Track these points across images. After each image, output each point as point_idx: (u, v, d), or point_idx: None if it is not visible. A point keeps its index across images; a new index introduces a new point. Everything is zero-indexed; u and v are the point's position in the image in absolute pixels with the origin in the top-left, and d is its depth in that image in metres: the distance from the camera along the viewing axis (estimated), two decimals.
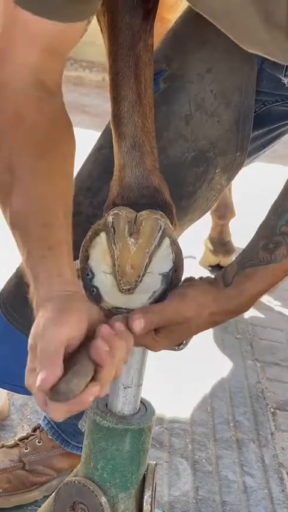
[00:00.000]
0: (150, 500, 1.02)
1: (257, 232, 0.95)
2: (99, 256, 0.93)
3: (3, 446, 1.54)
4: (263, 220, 0.96)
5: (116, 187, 0.97)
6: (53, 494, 1.04)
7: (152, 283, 0.93)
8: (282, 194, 0.95)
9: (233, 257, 2.74)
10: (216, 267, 2.74)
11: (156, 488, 1.04)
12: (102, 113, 4.40)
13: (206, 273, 2.60)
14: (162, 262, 0.93)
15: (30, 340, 0.80)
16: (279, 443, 1.84)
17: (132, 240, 0.92)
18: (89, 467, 1.00)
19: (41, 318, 0.80)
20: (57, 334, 0.78)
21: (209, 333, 2.25)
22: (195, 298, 0.92)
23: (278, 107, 1.16)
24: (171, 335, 0.93)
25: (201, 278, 0.97)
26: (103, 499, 0.98)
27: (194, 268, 2.65)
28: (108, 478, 0.99)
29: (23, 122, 0.89)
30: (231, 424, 1.88)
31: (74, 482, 1.00)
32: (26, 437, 1.54)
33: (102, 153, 1.14)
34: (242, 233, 2.82)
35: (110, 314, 0.93)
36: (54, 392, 0.77)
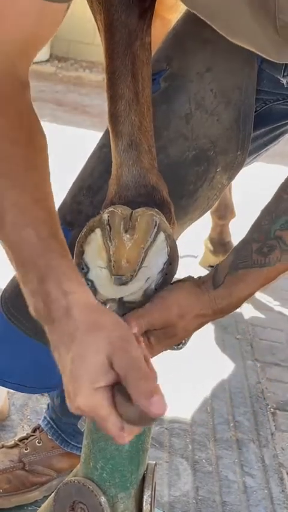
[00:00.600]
0: (149, 500, 1.02)
1: (248, 234, 0.96)
2: (94, 252, 0.94)
3: (3, 446, 1.54)
4: (254, 222, 0.97)
5: (113, 186, 0.97)
6: (53, 494, 1.04)
7: (147, 274, 0.94)
8: (275, 198, 0.95)
9: None
10: None
11: (156, 488, 1.04)
12: (102, 113, 4.39)
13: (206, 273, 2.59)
14: (157, 256, 0.94)
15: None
16: (279, 443, 1.84)
17: (128, 236, 0.93)
18: (88, 467, 1.00)
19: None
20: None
21: (209, 333, 2.25)
22: (177, 302, 0.93)
23: (279, 106, 1.16)
24: (161, 340, 0.94)
25: (189, 277, 0.97)
26: (103, 499, 0.98)
27: (194, 268, 2.65)
28: (108, 478, 0.99)
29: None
30: (232, 424, 1.87)
31: (74, 482, 1.00)
32: (26, 438, 1.54)
33: (103, 152, 1.14)
34: (242, 233, 2.83)
35: (103, 305, 0.94)
36: (128, 418, 0.73)
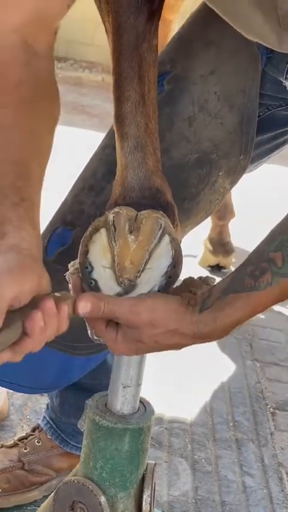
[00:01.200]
0: (149, 499, 1.02)
1: (248, 257, 0.91)
2: (98, 252, 0.94)
3: (2, 446, 1.54)
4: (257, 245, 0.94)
5: (118, 187, 0.97)
6: (52, 493, 1.04)
7: (151, 278, 0.93)
8: (279, 223, 0.92)
9: (232, 258, 2.75)
10: (215, 267, 2.74)
11: (155, 488, 1.04)
12: (102, 113, 4.40)
13: (206, 273, 2.60)
14: (161, 259, 0.94)
15: None
16: (278, 443, 1.84)
17: (133, 237, 0.92)
18: (88, 467, 1.00)
19: None
20: (5, 290, 0.80)
21: None
22: (152, 311, 0.89)
23: (282, 112, 1.16)
24: (126, 339, 0.91)
25: (200, 278, 0.96)
26: (102, 499, 0.98)
27: (194, 268, 2.65)
28: (108, 478, 0.99)
29: (6, 80, 0.92)
30: (231, 424, 1.88)
31: (73, 481, 1.00)
32: (25, 437, 1.55)
33: (106, 153, 1.14)
34: (241, 234, 2.83)
35: None
36: None
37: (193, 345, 0.91)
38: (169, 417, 1.85)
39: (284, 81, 1.11)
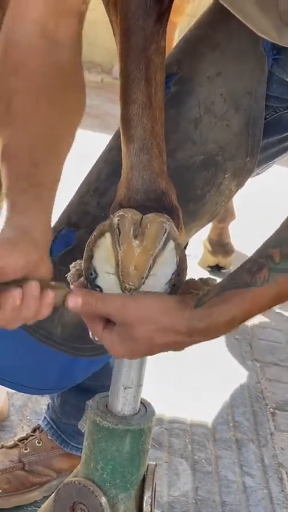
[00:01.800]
0: (150, 500, 1.02)
1: (249, 257, 0.90)
2: (103, 257, 0.93)
3: (2, 447, 1.54)
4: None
5: (123, 189, 0.97)
6: (53, 494, 1.04)
7: (155, 285, 0.93)
8: (282, 223, 0.91)
9: (232, 258, 2.75)
10: (215, 268, 2.74)
11: (156, 489, 1.04)
12: (101, 114, 4.39)
13: (205, 274, 2.60)
14: (166, 265, 0.93)
15: None
16: (278, 443, 1.84)
17: (137, 242, 0.91)
18: (89, 468, 1.00)
19: None
20: None
21: None
22: (142, 305, 0.89)
23: None
24: (122, 340, 0.90)
25: (201, 279, 0.96)
26: (103, 500, 0.98)
27: (193, 269, 2.65)
28: (108, 479, 0.99)
29: (25, 67, 0.96)
30: (231, 425, 1.88)
31: (74, 482, 1.00)
32: (26, 438, 1.55)
33: (111, 155, 1.14)
34: (242, 236, 2.83)
35: None
36: None
37: (191, 345, 0.90)
38: (169, 417, 1.85)
39: None
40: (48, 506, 1.06)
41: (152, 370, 1.08)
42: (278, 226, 0.89)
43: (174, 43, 1.26)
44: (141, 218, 0.92)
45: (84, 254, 0.93)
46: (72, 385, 1.28)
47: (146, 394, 1.04)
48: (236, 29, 1.07)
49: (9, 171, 0.91)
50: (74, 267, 0.96)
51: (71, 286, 0.95)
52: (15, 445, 1.54)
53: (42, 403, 1.79)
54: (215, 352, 2.20)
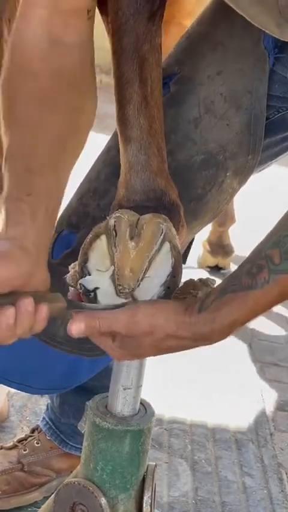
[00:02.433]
0: (150, 501, 1.02)
1: (246, 258, 0.89)
2: (98, 259, 0.92)
3: (1, 448, 1.54)
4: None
5: (122, 189, 0.96)
6: (53, 495, 1.04)
7: (150, 287, 0.92)
8: (277, 222, 0.91)
9: (231, 259, 2.75)
10: (214, 268, 2.74)
11: (155, 489, 1.04)
12: (101, 114, 4.38)
13: (205, 274, 2.60)
14: (161, 267, 0.92)
15: None
16: (278, 443, 1.84)
17: (133, 243, 0.91)
18: (88, 469, 1.00)
19: None
20: None
21: None
22: (148, 317, 0.87)
23: None
24: (124, 348, 0.90)
25: (200, 280, 0.95)
26: (103, 500, 0.98)
27: (193, 269, 2.65)
28: (108, 479, 0.99)
29: (30, 69, 0.94)
30: (231, 425, 1.88)
31: (74, 483, 1.00)
32: (25, 439, 1.54)
33: (110, 155, 1.13)
34: (241, 238, 2.83)
35: None
36: None
37: (194, 348, 0.90)
38: (169, 418, 1.85)
39: None
40: (48, 507, 1.06)
41: (151, 370, 1.08)
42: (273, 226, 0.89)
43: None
44: (138, 219, 0.91)
45: (79, 257, 0.93)
46: (77, 384, 1.28)
47: (145, 394, 1.04)
48: (238, 26, 1.07)
49: (8, 177, 0.90)
50: (73, 268, 0.95)
51: (71, 289, 0.95)
52: (14, 446, 1.54)
53: (41, 403, 1.79)
54: (214, 352, 2.20)
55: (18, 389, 1.28)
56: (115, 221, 0.91)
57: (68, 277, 0.95)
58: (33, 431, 1.56)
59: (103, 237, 0.92)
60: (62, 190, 0.93)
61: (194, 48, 1.11)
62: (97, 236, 0.92)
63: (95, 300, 0.93)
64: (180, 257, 0.93)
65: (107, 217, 0.92)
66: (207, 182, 1.10)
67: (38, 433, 1.54)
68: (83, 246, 0.92)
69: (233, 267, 2.67)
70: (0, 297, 0.80)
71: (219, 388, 2.03)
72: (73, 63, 0.96)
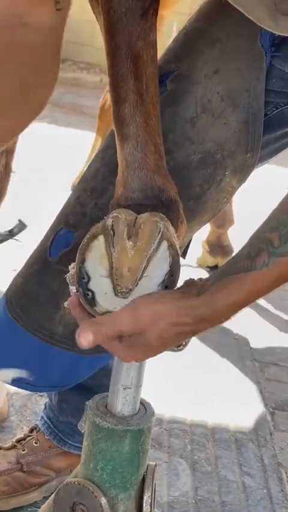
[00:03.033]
0: (149, 501, 1.02)
1: (246, 242, 0.91)
2: (96, 260, 0.92)
3: (0, 448, 1.54)
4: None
5: (120, 187, 0.96)
6: (53, 495, 1.04)
7: (148, 286, 0.92)
8: (276, 206, 0.92)
9: None
10: (214, 268, 2.74)
11: (155, 489, 1.04)
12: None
13: (205, 274, 2.60)
14: (159, 266, 0.92)
15: None
16: (278, 443, 1.84)
17: (131, 243, 0.91)
18: (88, 468, 1.00)
19: None
20: None
21: (208, 333, 2.25)
22: (149, 308, 0.88)
23: None
24: (132, 347, 0.90)
25: (200, 279, 0.95)
26: (103, 500, 0.98)
27: (192, 269, 2.65)
28: (108, 479, 0.99)
29: None
30: (230, 425, 1.88)
31: (74, 483, 1.00)
32: (23, 439, 1.54)
33: (107, 154, 1.13)
34: (240, 238, 2.83)
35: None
36: None
37: (199, 332, 0.90)
38: (169, 418, 1.85)
39: None
40: (48, 507, 1.06)
41: (151, 370, 1.08)
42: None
43: (162, 36, 1.24)
44: (136, 218, 0.91)
45: (77, 258, 0.93)
46: (78, 381, 1.28)
47: (145, 394, 1.04)
48: (235, 24, 1.06)
49: None
50: (73, 268, 0.95)
51: (70, 287, 0.95)
52: (12, 447, 1.54)
53: (41, 403, 1.78)
54: (214, 352, 2.20)
55: (17, 387, 1.28)
56: (113, 221, 0.91)
57: (68, 276, 0.95)
58: (31, 431, 1.56)
59: (101, 237, 0.92)
60: None
61: (192, 45, 1.11)
62: (95, 236, 0.92)
63: (93, 300, 0.93)
64: (178, 256, 0.93)
65: (105, 217, 0.92)
66: (206, 181, 1.10)
67: (37, 432, 1.54)
68: (80, 246, 0.92)
69: None
70: None
71: (219, 388, 2.03)
72: (32, 43, 0.98)
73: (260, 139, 1.10)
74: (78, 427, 1.04)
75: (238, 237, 2.77)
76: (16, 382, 1.24)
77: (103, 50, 1.16)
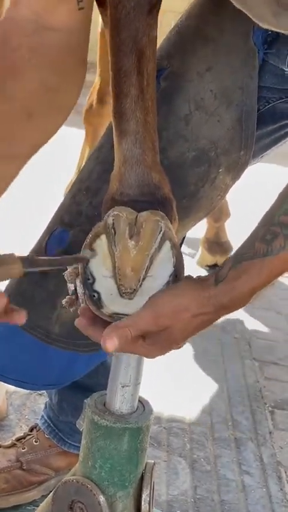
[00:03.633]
0: (148, 499, 1.02)
1: (257, 224, 0.91)
2: (99, 260, 0.92)
3: (0, 447, 1.54)
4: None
5: (115, 182, 0.96)
6: (51, 493, 1.04)
7: (153, 287, 0.92)
8: (286, 186, 0.92)
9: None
10: (213, 267, 2.74)
11: (154, 488, 1.04)
12: None
13: (204, 273, 2.60)
14: (163, 266, 0.92)
15: None
16: (277, 442, 1.84)
17: (133, 242, 0.90)
18: (87, 466, 1.00)
19: None
20: None
21: (207, 332, 2.25)
22: (169, 304, 0.89)
23: (282, 105, 1.15)
24: (156, 343, 0.90)
25: (199, 277, 0.95)
26: (101, 498, 0.98)
27: (192, 268, 2.65)
28: (107, 477, 0.99)
29: (9, 45, 0.98)
30: (230, 423, 1.88)
31: (72, 481, 1.00)
32: (23, 437, 1.55)
33: (102, 153, 1.13)
34: (238, 233, 2.83)
35: (110, 319, 0.92)
36: None
37: (218, 319, 0.91)
38: (168, 416, 1.85)
39: (286, 69, 1.10)
40: (47, 505, 1.06)
41: (150, 368, 1.08)
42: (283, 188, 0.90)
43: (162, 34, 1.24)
44: (136, 216, 0.91)
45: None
46: (74, 380, 1.28)
47: (144, 392, 1.04)
48: (227, 21, 1.07)
49: None
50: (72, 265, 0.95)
51: (68, 285, 0.94)
52: (12, 445, 1.54)
53: (40, 402, 1.79)
54: (213, 350, 2.20)
55: (14, 386, 1.29)
56: (113, 219, 0.91)
57: (66, 274, 0.95)
58: (31, 429, 1.56)
59: (103, 237, 0.91)
60: (12, 158, 0.98)
61: (184, 43, 1.11)
62: (97, 236, 0.92)
63: (99, 302, 0.93)
64: (182, 257, 0.93)
65: (103, 214, 0.92)
66: (200, 179, 1.10)
67: (37, 431, 1.54)
68: (83, 247, 0.92)
69: None
70: None
71: (218, 386, 2.03)
72: (56, 45, 0.99)
73: (253, 136, 1.11)
74: (77, 425, 1.04)
75: (236, 235, 2.77)
76: (12, 380, 1.24)
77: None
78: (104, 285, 0.92)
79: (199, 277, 0.92)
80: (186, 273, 0.98)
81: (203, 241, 2.77)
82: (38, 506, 1.14)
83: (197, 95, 1.08)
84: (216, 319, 0.91)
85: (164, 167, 1.00)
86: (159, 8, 0.97)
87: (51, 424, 1.52)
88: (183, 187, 1.10)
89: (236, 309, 0.90)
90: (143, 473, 1.02)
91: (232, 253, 2.81)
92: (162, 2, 0.98)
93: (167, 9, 1.13)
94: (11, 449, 1.53)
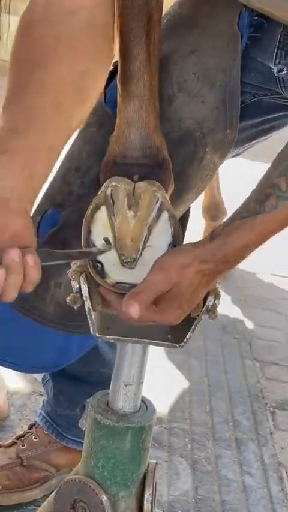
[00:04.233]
0: (150, 498, 1.02)
1: (253, 188, 0.95)
2: (100, 231, 0.94)
3: (0, 446, 1.55)
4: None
5: (117, 144, 0.98)
6: (54, 492, 1.04)
7: (152, 257, 0.94)
8: (281, 152, 0.94)
9: None
10: None
11: (156, 488, 1.04)
12: None
13: None
14: (161, 236, 0.95)
15: None
16: (278, 442, 1.84)
17: (132, 213, 0.93)
18: (89, 466, 1.00)
19: None
20: None
21: (208, 332, 2.25)
22: (174, 262, 0.92)
23: (268, 99, 1.16)
24: (169, 306, 0.93)
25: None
26: (104, 497, 0.98)
27: None
28: (109, 477, 0.99)
29: (33, 36, 0.97)
30: (231, 424, 1.88)
31: (75, 480, 1.00)
32: (23, 435, 1.55)
33: (89, 132, 1.14)
34: None
35: (114, 289, 0.95)
36: None
37: (219, 276, 0.94)
38: (169, 417, 1.85)
39: (272, 67, 1.11)
40: (49, 505, 1.06)
41: (151, 369, 1.08)
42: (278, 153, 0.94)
43: None
44: (134, 187, 0.93)
45: (83, 230, 0.95)
46: (69, 362, 1.28)
47: (144, 393, 1.04)
48: (218, 9, 1.08)
49: None
50: (75, 263, 0.96)
51: (72, 282, 0.95)
52: (13, 444, 1.54)
53: (41, 402, 1.78)
54: (214, 351, 2.20)
55: (8, 368, 1.28)
56: (112, 190, 0.93)
57: (71, 272, 0.95)
58: (30, 427, 1.56)
59: (103, 208, 0.94)
60: (47, 151, 0.94)
61: (173, 29, 1.12)
62: (97, 207, 0.94)
63: (102, 271, 0.95)
64: (180, 228, 0.96)
65: (102, 177, 0.94)
66: (185, 159, 1.11)
67: (36, 428, 1.55)
68: (85, 219, 0.95)
69: None
70: None
71: (219, 387, 2.03)
72: (82, 27, 0.98)
73: (237, 115, 1.12)
74: (79, 425, 1.04)
75: None
76: (6, 363, 1.24)
77: None
78: (106, 255, 0.94)
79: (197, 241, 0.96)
80: None
81: None
82: (39, 506, 1.14)
83: (180, 77, 1.09)
84: (218, 275, 0.94)
85: None
86: None
87: (49, 419, 1.52)
88: None
89: (235, 264, 0.93)
90: (145, 473, 1.02)
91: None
92: None
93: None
94: (12, 447, 1.54)
